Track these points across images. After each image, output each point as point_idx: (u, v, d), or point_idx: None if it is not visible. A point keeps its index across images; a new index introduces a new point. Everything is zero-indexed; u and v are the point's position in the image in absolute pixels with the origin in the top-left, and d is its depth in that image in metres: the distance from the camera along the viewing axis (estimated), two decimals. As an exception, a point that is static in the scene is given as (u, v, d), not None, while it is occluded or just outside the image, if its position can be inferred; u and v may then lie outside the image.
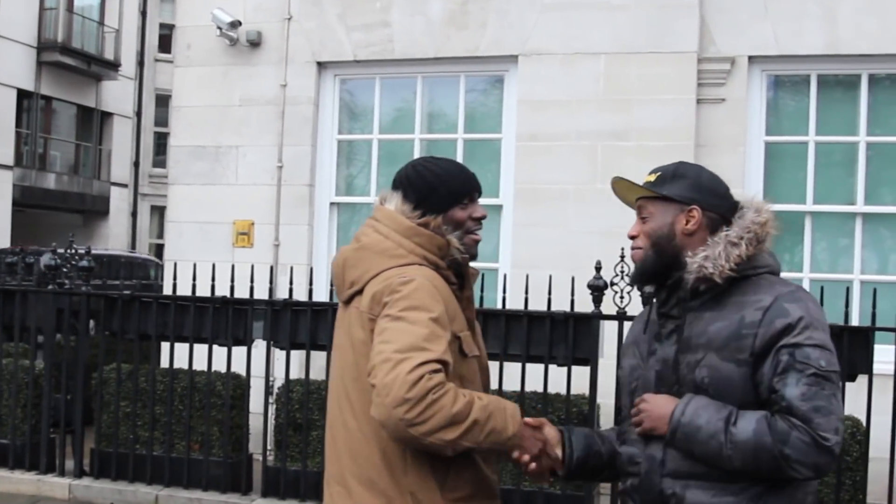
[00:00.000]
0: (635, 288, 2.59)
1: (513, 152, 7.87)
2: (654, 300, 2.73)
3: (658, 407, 2.52)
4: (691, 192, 2.64)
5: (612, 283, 5.55)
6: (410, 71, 8.25)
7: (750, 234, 2.56)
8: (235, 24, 8.30)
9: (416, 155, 8.25)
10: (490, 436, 2.45)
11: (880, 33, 7.21)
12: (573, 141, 7.61)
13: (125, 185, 29.74)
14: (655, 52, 7.51)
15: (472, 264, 2.80)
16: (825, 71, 7.51)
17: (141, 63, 30.02)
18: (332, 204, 8.42)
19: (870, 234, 7.45)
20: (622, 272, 5.51)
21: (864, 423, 5.42)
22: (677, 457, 2.49)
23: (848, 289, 5.77)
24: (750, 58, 7.46)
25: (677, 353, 2.55)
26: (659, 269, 2.62)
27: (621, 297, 5.52)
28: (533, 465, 2.61)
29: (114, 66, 28.26)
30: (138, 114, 30.16)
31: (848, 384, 5.07)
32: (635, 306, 5.48)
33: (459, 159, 8.13)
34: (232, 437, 6.46)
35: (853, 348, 5.27)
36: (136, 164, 30.39)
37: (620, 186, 2.81)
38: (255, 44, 8.37)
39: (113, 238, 28.30)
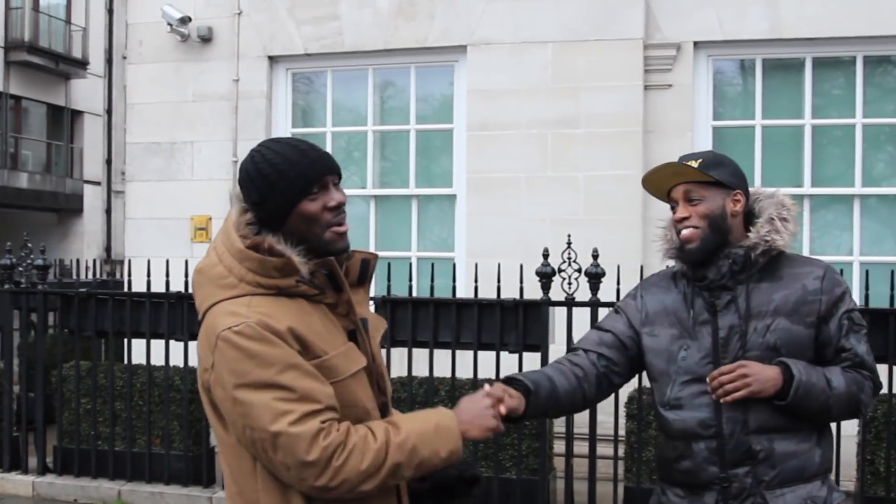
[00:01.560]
0: (677, 262, 2.74)
1: (464, 142, 7.94)
2: (689, 274, 2.94)
3: (762, 371, 2.72)
4: (734, 178, 2.92)
5: (560, 270, 5.61)
6: (361, 63, 8.31)
7: (792, 212, 2.93)
8: (186, 20, 8.33)
9: (370, 147, 8.31)
10: (420, 468, 2.29)
11: (822, 17, 7.30)
12: (523, 129, 7.68)
13: (98, 183, 29.59)
14: (602, 39, 7.58)
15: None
16: (770, 55, 7.60)
17: (109, 61, 29.83)
18: (287, 197, 8.44)
19: (817, 215, 7.56)
20: (570, 258, 5.57)
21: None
22: (761, 414, 2.76)
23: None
24: (695, 43, 7.54)
25: (741, 321, 2.83)
26: (715, 247, 2.86)
27: (569, 284, 5.58)
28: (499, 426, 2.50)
29: (82, 64, 28.12)
30: (109, 111, 29.97)
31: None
32: (583, 292, 5.57)
33: (412, 150, 8.22)
34: (192, 431, 6.50)
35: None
36: (109, 162, 30.22)
37: (665, 173, 2.96)
38: (206, 39, 8.40)
39: (88, 236, 28.20)
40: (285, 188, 2.29)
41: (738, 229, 2.88)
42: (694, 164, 2.88)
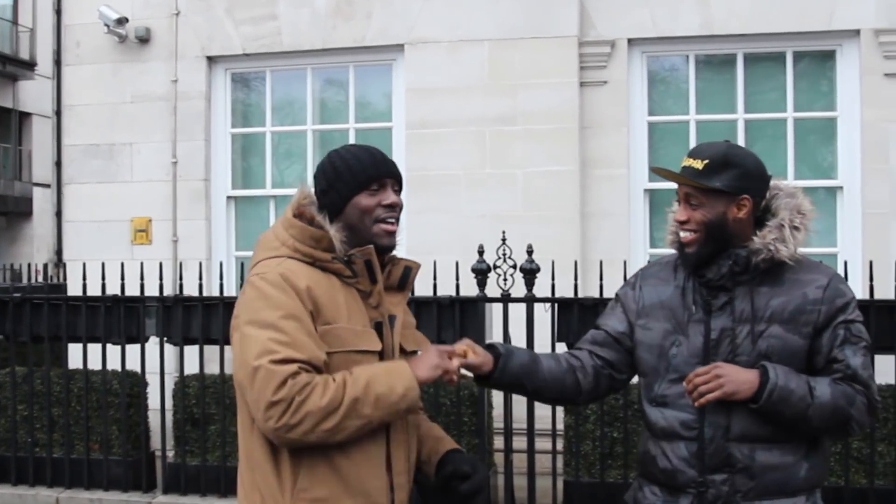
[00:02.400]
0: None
1: (403, 140, 7.96)
2: (689, 270, 2.87)
3: (737, 373, 2.66)
4: (742, 181, 2.77)
5: (496, 266, 5.63)
6: (300, 63, 8.30)
7: (807, 220, 2.83)
8: (122, 21, 8.26)
9: (310, 146, 8.32)
10: (379, 403, 2.41)
11: (752, 13, 7.42)
12: (461, 127, 7.72)
13: (48, 186, 29.16)
14: (538, 37, 7.64)
15: (410, 257, 2.77)
16: (702, 51, 7.72)
17: (58, 62, 29.20)
18: (228, 198, 8.45)
19: (752, 208, 7.64)
20: (504, 255, 5.60)
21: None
22: (743, 421, 2.70)
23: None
24: (629, 40, 7.63)
25: (734, 324, 2.76)
26: (712, 253, 2.78)
27: (504, 280, 5.60)
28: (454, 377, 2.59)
29: (30, 65, 27.75)
30: (58, 113, 29.44)
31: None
32: (518, 288, 5.60)
33: (351, 149, 8.20)
34: (131, 436, 6.45)
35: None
36: (58, 164, 29.73)
37: (664, 174, 2.89)
38: (143, 40, 8.35)
39: (38, 239, 27.83)
40: (349, 179, 2.58)
41: (744, 231, 2.77)
42: (699, 164, 2.77)
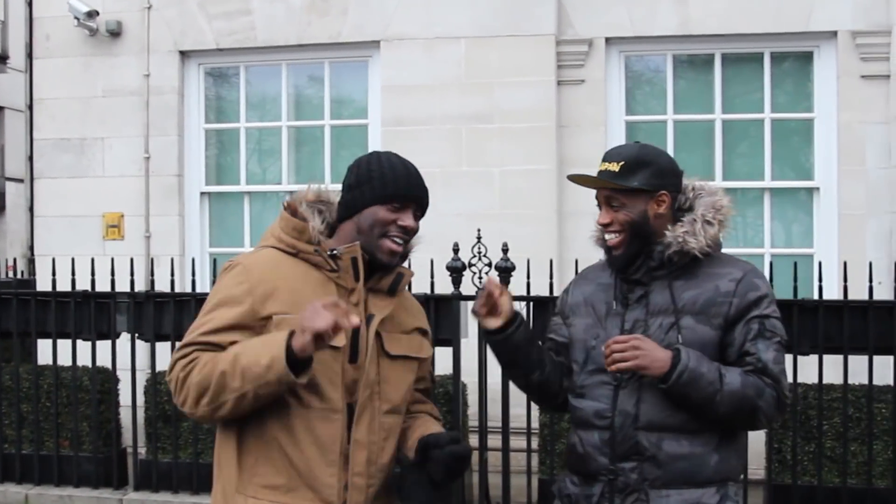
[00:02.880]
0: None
1: (379, 138, 7.90)
2: (613, 267, 2.95)
3: (654, 349, 2.72)
4: (658, 178, 2.86)
5: (471, 265, 5.59)
6: (274, 58, 8.23)
7: (720, 216, 2.90)
8: (93, 14, 8.16)
9: (285, 142, 8.26)
10: (247, 375, 2.37)
11: (730, 14, 7.42)
12: (437, 125, 7.68)
13: (21, 181, 28.93)
14: (515, 35, 7.60)
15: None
16: (680, 51, 7.71)
17: (30, 55, 29.10)
18: (202, 194, 8.37)
19: (729, 208, 7.64)
20: (479, 253, 5.56)
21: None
22: (651, 410, 2.77)
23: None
24: (607, 39, 7.60)
25: (647, 316, 2.84)
26: (638, 251, 2.86)
27: (479, 278, 5.57)
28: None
29: (2, 59, 27.45)
30: (31, 107, 29.28)
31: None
32: (495, 286, 5.55)
33: (327, 146, 8.20)
34: (102, 432, 6.38)
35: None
36: (31, 159, 29.55)
37: (582, 180, 2.96)
38: (115, 34, 8.24)
39: (11, 234, 27.58)
40: (376, 186, 2.60)
41: (663, 227, 2.86)
42: (615, 167, 2.85)
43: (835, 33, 7.32)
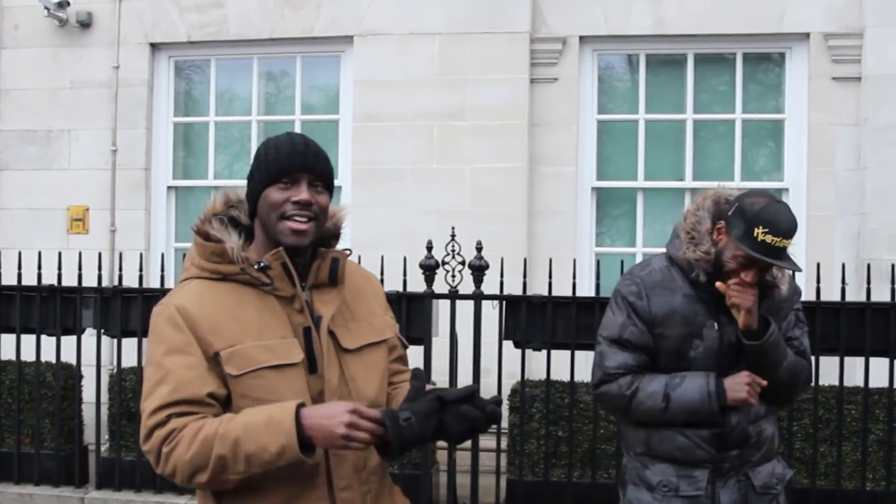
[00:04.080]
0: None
1: (350, 133, 7.85)
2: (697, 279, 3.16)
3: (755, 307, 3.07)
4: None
5: (444, 263, 5.56)
6: (246, 52, 8.15)
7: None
8: (63, 5, 8.05)
9: (254, 138, 8.19)
10: (254, 461, 2.20)
11: (703, 14, 7.44)
12: (409, 121, 7.63)
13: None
14: (489, 32, 7.58)
15: (354, 251, 2.63)
16: (653, 51, 7.71)
17: (-5, 46, 28.85)
18: (169, 188, 8.28)
19: (699, 209, 7.66)
20: (453, 251, 5.53)
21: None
22: (754, 410, 3.16)
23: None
24: (581, 38, 7.60)
25: (732, 329, 3.14)
26: None
27: (453, 276, 5.54)
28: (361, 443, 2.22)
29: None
30: (-6, 99, 29.01)
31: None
32: (467, 285, 5.54)
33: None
34: (64, 430, 6.29)
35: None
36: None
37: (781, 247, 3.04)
38: (85, 24, 8.13)
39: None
40: (263, 170, 2.39)
41: None
42: (790, 243, 3.02)
43: (807, 35, 7.35)
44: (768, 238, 2.95)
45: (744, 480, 3.18)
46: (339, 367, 2.42)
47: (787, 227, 2.98)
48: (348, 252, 2.54)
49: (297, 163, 2.37)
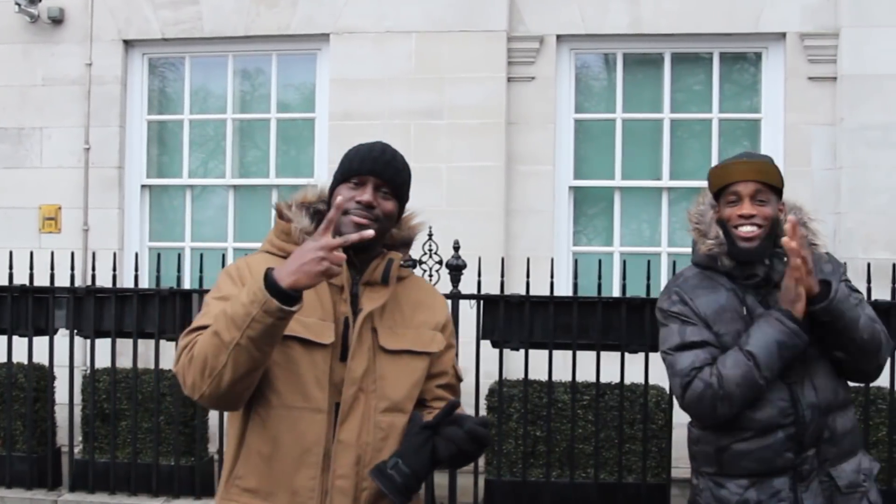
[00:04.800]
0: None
1: (326, 132, 7.81)
2: (734, 273, 3.07)
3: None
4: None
5: (421, 262, 5.54)
6: (221, 50, 8.08)
7: (806, 217, 3.19)
8: (35, 0, 7.95)
9: (230, 135, 8.13)
10: (236, 321, 2.29)
11: (680, 14, 7.45)
12: (386, 119, 7.60)
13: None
14: (466, 30, 7.55)
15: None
16: (630, 50, 7.72)
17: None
18: (143, 186, 8.20)
19: (677, 208, 7.69)
20: (431, 250, 5.51)
21: (668, 392, 5.56)
22: (827, 396, 2.96)
23: (650, 262, 5.85)
24: (558, 37, 7.59)
25: None
26: (764, 252, 3.02)
27: (430, 276, 5.51)
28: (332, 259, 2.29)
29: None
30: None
31: (651, 354, 5.20)
32: (444, 284, 5.50)
33: (273, 140, 8.09)
34: (36, 431, 6.22)
35: (656, 320, 5.33)
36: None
37: (748, 168, 3.01)
38: (57, 21, 8.03)
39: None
40: (339, 170, 2.62)
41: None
42: (766, 164, 3.02)
43: (783, 35, 7.38)
44: (722, 165, 3.10)
45: (826, 481, 2.96)
46: (371, 362, 2.53)
47: (754, 154, 3.12)
48: (409, 261, 2.77)
49: (366, 167, 2.58)
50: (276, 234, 2.64)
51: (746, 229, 2.98)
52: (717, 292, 3.06)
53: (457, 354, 2.82)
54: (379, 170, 2.58)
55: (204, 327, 2.42)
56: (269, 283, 2.27)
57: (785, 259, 2.93)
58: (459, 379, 2.78)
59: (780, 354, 2.87)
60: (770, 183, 3.01)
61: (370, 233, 2.35)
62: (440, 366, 2.69)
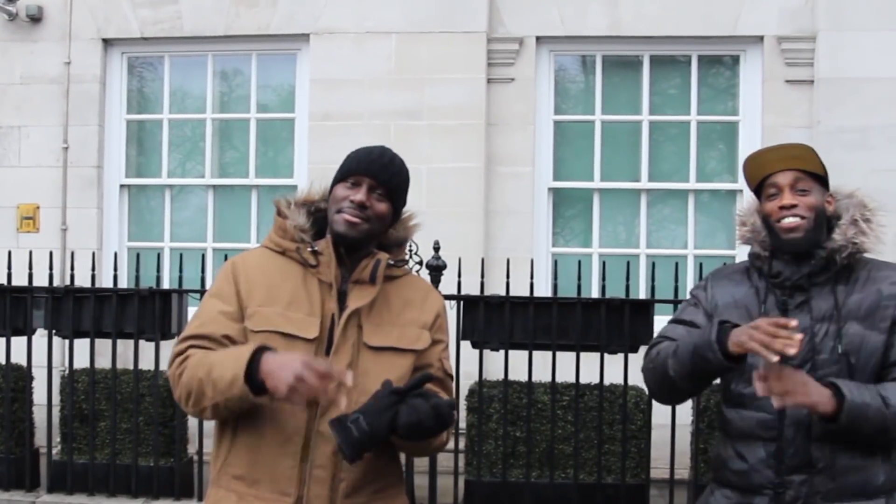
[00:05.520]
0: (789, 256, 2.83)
1: (306, 132, 7.80)
2: (764, 269, 2.87)
3: (811, 384, 2.59)
4: (827, 177, 2.88)
5: (404, 262, 5.53)
6: (200, 49, 8.06)
7: (869, 212, 2.86)
8: (12, -2, 7.92)
9: (209, 135, 8.12)
10: (217, 387, 2.42)
11: (659, 16, 7.50)
12: (366, 120, 7.61)
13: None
14: (446, 31, 7.57)
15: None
16: (609, 52, 7.76)
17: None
18: (122, 186, 8.17)
19: (654, 210, 7.74)
20: (411, 251, 5.49)
21: (647, 392, 5.58)
22: (820, 422, 2.64)
23: (629, 263, 5.88)
24: (537, 38, 7.62)
25: (812, 322, 2.74)
26: (814, 243, 2.79)
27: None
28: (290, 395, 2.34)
29: None
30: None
31: (630, 355, 5.23)
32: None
33: (252, 140, 8.09)
34: (14, 432, 6.18)
35: (635, 321, 5.40)
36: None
37: (783, 154, 2.85)
38: (35, 19, 7.98)
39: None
40: (339, 169, 2.69)
41: (825, 230, 2.83)
42: (803, 150, 2.84)
43: (761, 38, 7.44)
44: (754, 155, 2.93)
45: None
46: (355, 357, 2.58)
47: (788, 144, 2.94)
48: (400, 260, 2.74)
49: (362, 167, 2.64)
50: (274, 230, 2.71)
51: (789, 220, 2.77)
52: (740, 286, 2.92)
53: (447, 347, 2.82)
54: (375, 171, 2.64)
55: (197, 336, 2.56)
56: (253, 365, 2.37)
57: (814, 258, 2.78)
58: (448, 374, 2.79)
59: (692, 360, 2.68)
60: (809, 170, 2.81)
61: (348, 382, 2.34)
62: (425, 359, 2.71)
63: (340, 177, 2.66)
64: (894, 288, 2.76)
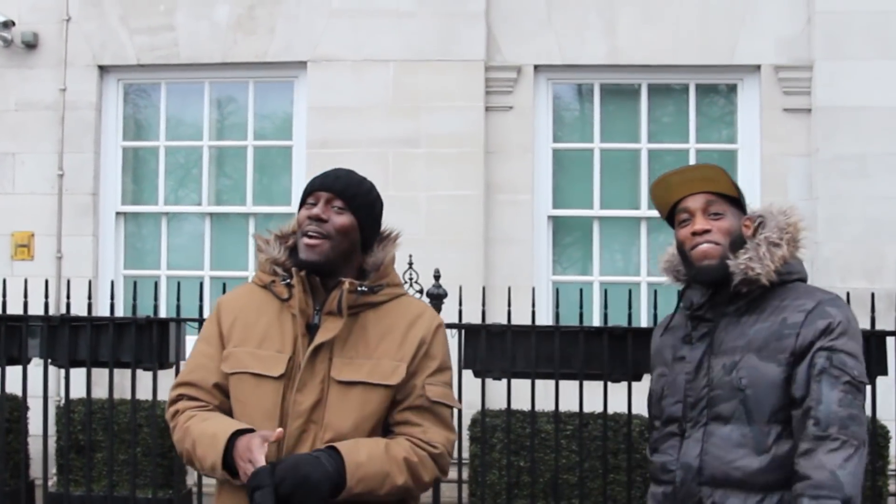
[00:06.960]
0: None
1: (304, 160, 7.78)
2: (682, 304, 2.74)
3: None
4: (742, 201, 2.73)
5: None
6: (197, 76, 8.04)
7: (787, 234, 2.63)
8: (9, 24, 7.86)
9: (205, 163, 8.08)
10: (203, 466, 2.49)
11: (657, 45, 7.53)
12: (364, 148, 7.59)
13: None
14: (444, 59, 7.58)
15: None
16: (607, 80, 7.78)
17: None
18: (118, 213, 8.11)
19: (653, 237, 7.72)
20: (411, 279, 5.48)
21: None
22: (714, 463, 2.53)
23: (630, 291, 5.85)
24: (535, 67, 7.63)
25: (707, 356, 2.60)
26: (728, 273, 2.60)
27: (410, 305, 5.47)
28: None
29: None
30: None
31: (634, 383, 5.19)
32: (424, 313, 5.47)
33: (250, 167, 8.05)
34: (10, 464, 6.09)
35: (638, 349, 5.35)
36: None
37: (693, 175, 2.71)
38: (31, 45, 7.95)
39: None
40: (301, 197, 2.69)
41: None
42: (712, 171, 2.68)
43: (758, 67, 7.48)
44: (660, 179, 2.81)
45: None
46: (322, 393, 2.49)
47: (691, 166, 2.87)
48: (348, 282, 2.53)
49: (316, 183, 2.66)
50: (260, 266, 2.69)
51: (702, 247, 2.62)
52: (669, 331, 2.80)
53: (438, 371, 2.67)
54: (329, 184, 2.65)
55: (186, 384, 2.61)
56: (229, 452, 2.40)
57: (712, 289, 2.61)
58: (434, 402, 2.61)
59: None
60: (722, 192, 2.67)
61: (271, 439, 2.36)
62: (405, 391, 2.58)
63: (302, 202, 2.66)
64: (800, 316, 2.53)
